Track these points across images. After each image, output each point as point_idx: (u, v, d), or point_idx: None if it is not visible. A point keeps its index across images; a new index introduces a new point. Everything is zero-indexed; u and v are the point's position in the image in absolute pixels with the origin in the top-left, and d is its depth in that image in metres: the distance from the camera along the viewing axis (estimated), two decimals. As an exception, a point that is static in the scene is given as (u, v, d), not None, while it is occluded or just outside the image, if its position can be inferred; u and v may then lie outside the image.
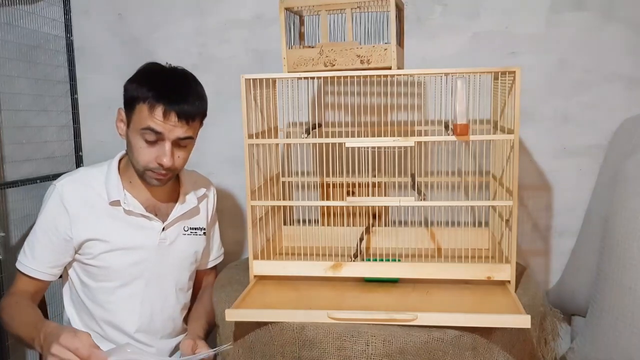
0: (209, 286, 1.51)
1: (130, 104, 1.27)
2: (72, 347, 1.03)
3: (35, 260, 1.30)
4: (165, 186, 1.36)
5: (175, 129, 1.25)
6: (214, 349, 1.22)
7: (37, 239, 1.31)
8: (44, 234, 1.31)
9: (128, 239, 1.33)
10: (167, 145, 1.26)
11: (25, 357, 1.83)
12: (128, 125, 1.29)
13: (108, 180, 1.34)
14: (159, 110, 1.23)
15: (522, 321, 1.13)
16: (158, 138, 1.25)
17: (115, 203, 1.32)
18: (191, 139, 1.30)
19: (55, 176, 1.78)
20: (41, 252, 1.31)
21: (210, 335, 1.41)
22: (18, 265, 1.32)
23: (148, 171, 1.29)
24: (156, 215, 1.36)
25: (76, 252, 1.33)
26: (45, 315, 1.46)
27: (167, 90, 1.25)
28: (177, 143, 1.28)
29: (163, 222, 1.36)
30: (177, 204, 1.39)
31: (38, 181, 1.72)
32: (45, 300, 1.47)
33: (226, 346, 1.21)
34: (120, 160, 1.39)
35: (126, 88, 1.29)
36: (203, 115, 1.32)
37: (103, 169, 1.37)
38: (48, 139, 1.85)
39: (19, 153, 1.78)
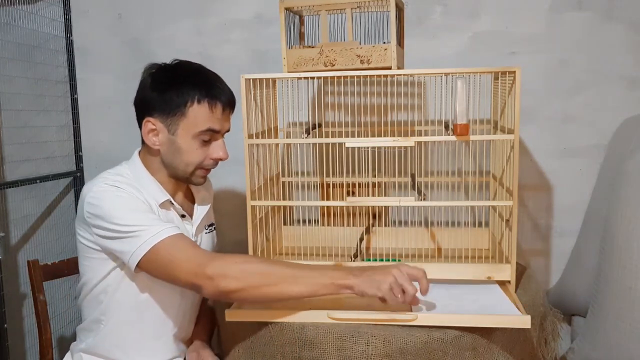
0: None
1: (176, 109, 1.21)
2: (415, 272, 1.14)
3: (157, 222, 1.17)
4: (186, 186, 1.35)
5: (227, 122, 1.26)
6: None
7: (139, 215, 1.17)
8: (141, 209, 1.18)
9: None
10: (222, 140, 1.26)
11: (25, 357, 1.83)
12: (173, 133, 1.22)
13: (145, 184, 1.26)
14: (219, 108, 1.22)
15: (522, 321, 1.14)
16: (213, 137, 1.24)
17: (165, 205, 1.26)
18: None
19: (55, 176, 1.80)
20: (153, 218, 1.18)
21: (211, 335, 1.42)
22: (159, 236, 1.13)
23: (199, 170, 1.26)
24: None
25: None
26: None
27: (214, 85, 1.23)
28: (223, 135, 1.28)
29: (192, 224, 1.34)
30: (196, 204, 1.37)
31: (38, 181, 1.72)
32: (46, 302, 1.46)
33: None
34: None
35: (161, 97, 1.21)
36: None
37: (129, 176, 1.26)
38: (48, 139, 1.85)
39: (19, 153, 1.78)
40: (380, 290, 1.10)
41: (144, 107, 1.24)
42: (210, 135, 1.24)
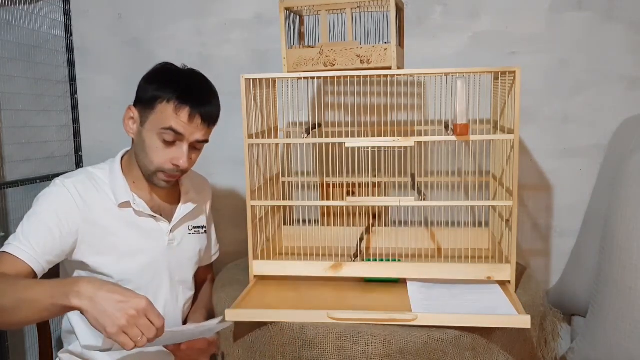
0: (207, 281, 1.54)
1: (148, 102, 1.24)
2: (156, 314, 0.96)
3: (31, 245, 1.17)
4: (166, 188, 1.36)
5: (197, 131, 1.25)
6: (218, 322, 1.19)
7: (36, 226, 1.19)
8: (45, 223, 1.20)
9: (140, 243, 1.30)
10: (185, 147, 1.25)
11: (25, 357, 1.83)
12: (142, 124, 1.26)
13: (114, 182, 1.30)
14: (185, 112, 1.22)
15: (522, 321, 1.14)
16: (177, 139, 1.24)
17: (125, 205, 1.29)
18: (207, 142, 1.30)
19: (55, 176, 1.79)
20: (37, 239, 1.18)
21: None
22: (6, 248, 1.16)
23: (159, 172, 1.27)
24: (161, 215, 1.35)
25: (80, 257, 1.26)
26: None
27: (193, 92, 1.24)
28: (193, 145, 1.27)
29: (169, 223, 1.36)
30: (180, 204, 1.38)
31: (38, 181, 1.72)
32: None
33: (227, 323, 1.19)
34: (121, 160, 1.36)
35: (144, 87, 1.27)
36: (218, 119, 1.32)
37: (105, 170, 1.33)
38: (48, 139, 1.85)
39: (19, 153, 1.78)
40: (106, 330, 0.94)
41: (135, 96, 1.29)
42: (174, 138, 1.24)
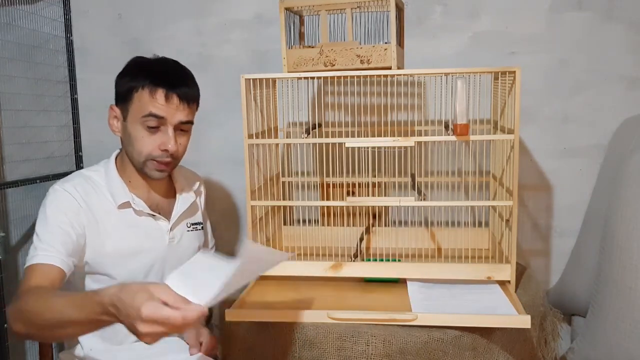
0: None
1: (126, 95, 1.26)
2: (161, 318, 0.84)
3: (55, 248, 1.16)
4: (162, 183, 1.36)
5: (177, 112, 1.25)
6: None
7: (51, 230, 1.19)
8: (59, 226, 1.20)
9: (141, 243, 1.30)
10: (170, 130, 1.25)
11: (26, 357, 1.83)
12: (125, 119, 1.27)
13: (110, 183, 1.30)
14: (160, 94, 1.23)
15: (522, 321, 1.14)
16: (160, 123, 1.24)
17: (124, 206, 1.29)
18: (191, 123, 1.30)
19: (55, 176, 1.79)
20: (58, 241, 1.18)
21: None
22: (31, 260, 1.16)
23: (150, 161, 1.27)
24: (159, 214, 1.35)
25: (85, 259, 1.26)
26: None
27: (165, 74, 1.25)
28: (179, 127, 1.27)
29: (168, 221, 1.36)
30: (177, 201, 1.39)
31: (38, 181, 1.72)
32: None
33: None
34: (115, 161, 1.36)
35: (119, 82, 1.29)
36: (198, 99, 1.32)
37: (100, 172, 1.33)
38: (48, 139, 1.85)
39: (19, 153, 1.77)
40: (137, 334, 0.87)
41: (115, 94, 1.30)
42: (157, 123, 1.24)
